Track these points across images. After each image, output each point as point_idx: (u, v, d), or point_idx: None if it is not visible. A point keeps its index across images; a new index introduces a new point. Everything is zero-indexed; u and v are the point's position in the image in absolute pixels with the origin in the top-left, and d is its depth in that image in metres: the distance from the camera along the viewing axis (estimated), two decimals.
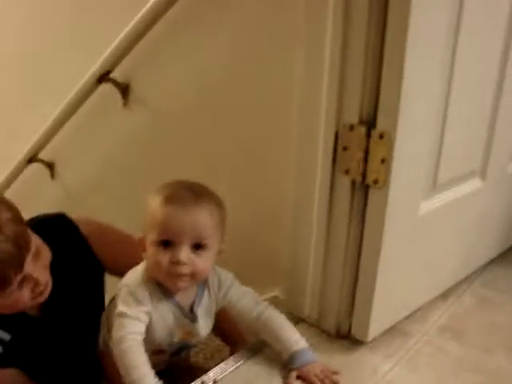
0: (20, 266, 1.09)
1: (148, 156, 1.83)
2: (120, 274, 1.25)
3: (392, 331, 1.41)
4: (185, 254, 1.10)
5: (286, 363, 1.23)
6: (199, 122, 1.64)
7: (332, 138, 1.21)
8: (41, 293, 1.17)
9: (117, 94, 1.83)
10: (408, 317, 1.46)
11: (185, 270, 1.11)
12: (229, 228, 1.17)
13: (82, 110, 1.97)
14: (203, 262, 1.13)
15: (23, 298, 1.13)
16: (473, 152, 1.44)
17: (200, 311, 1.22)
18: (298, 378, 1.20)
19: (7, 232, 1.06)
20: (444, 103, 1.23)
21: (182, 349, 1.29)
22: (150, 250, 1.12)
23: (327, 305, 1.37)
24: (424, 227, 1.33)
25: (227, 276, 1.25)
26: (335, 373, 1.22)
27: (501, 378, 1.27)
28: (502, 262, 1.75)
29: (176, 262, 1.09)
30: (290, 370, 1.21)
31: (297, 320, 1.42)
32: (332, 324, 1.38)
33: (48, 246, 1.20)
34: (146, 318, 1.13)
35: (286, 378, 1.20)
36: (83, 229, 1.34)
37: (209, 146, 1.62)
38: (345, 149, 1.20)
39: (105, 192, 1.99)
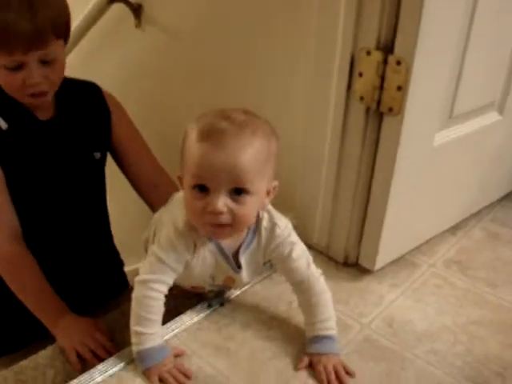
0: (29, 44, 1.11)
1: (162, 77, 1.79)
2: (117, 160, 1.40)
3: (399, 262, 1.42)
4: (222, 202, 0.93)
5: (306, 342, 1.12)
6: (213, 41, 1.58)
7: (348, 62, 1.18)
8: (37, 93, 1.19)
9: (129, 15, 1.78)
10: (416, 248, 1.47)
11: (223, 219, 0.94)
12: None
13: (95, 32, 1.92)
14: (245, 209, 0.96)
15: (15, 81, 1.16)
16: (492, 84, 1.40)
17: (245, 260, 1.09)
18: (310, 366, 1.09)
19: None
20: (466, 30, 1.19)
21: (223, 290, 1.23)
22: (186, 192, 0.98)
23: (336, 233, 1.38)
24: (438, 158, 1.31)
25: (285, 226, 1.09)
26: (350, 373, 1.07)
27: (503, 312, 1.28)
28: None
29: (212, 212, 0.94)
30: (305, 353, 1.11)
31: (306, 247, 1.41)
32: (340, 252, 1.38)
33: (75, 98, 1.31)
34: (180, 267, 1.05)
35: (298, 361, 1.10)
36: (109, 101, 1.37)
37: (222, 65, 1.58)
38: (360, 75, 1.17)
39: None
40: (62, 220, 1.34)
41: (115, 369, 1.07)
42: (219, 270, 1.10)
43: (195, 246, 1.04)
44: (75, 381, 1.05)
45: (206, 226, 0.98)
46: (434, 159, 1.30)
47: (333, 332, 1.10)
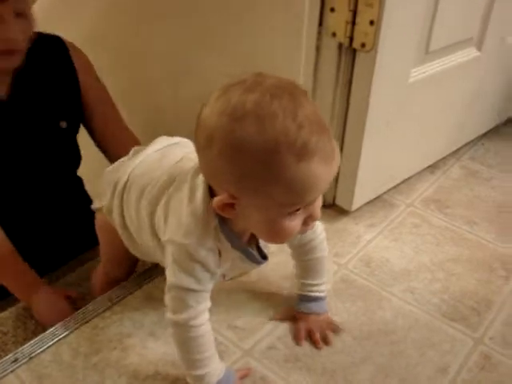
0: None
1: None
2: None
3: (377, 202, 1.42)
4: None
5: (295, 298, 1.08)
6: None
7: None
8: (7, 51, 1.10)
9: None
10: (394, 188, 1.46)
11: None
12: None
13: None
14: None
15: None
16: (470, 18, 1.36)
17: (263, 245, 0.93)
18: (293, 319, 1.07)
19: None
20: None
21: None
22: (271, 217, 0.76)
23: None
24: (414, 96, 1.29)
25: None
26: (335, 330, 1.06)
27: (481, 249, 1.28)
28: (493, 137, 1.74)
29: (311, 223, 0.80)
30: (291, 308, 1.08)
31: None
32: None
33: (36, 57, 1.19)
34: (214, 277, 0.86)
35: (278, 314, 1.08)
36: (75, 57, 1.27)
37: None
38: (332, 10, 1.13)
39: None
40: (32, 189, 1.29)
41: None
42: (236, 269, 0.96)
43: (220, 254, 0.85)
44: (51, 329, 1.06)
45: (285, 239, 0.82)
46: (410, 96, 1.28)
47: (325, 294, 1.07)
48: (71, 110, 1.29)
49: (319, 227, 1.02)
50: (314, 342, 1.03)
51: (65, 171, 1.36)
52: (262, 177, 0.70)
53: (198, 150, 0.75)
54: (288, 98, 0.70)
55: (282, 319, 1.07)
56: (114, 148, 1.34)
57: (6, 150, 1.21)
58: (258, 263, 0.92)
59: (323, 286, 1.06)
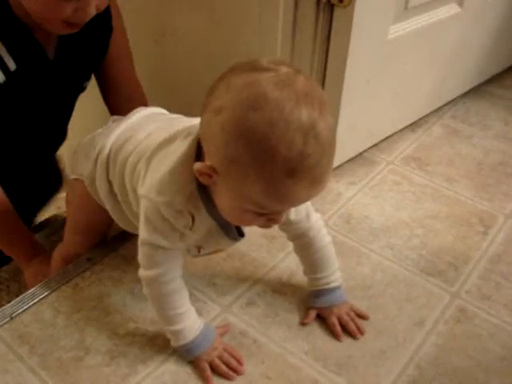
0: None
1: None
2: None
3: (358, 159, 1.42)
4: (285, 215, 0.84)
5: (308, 298, 1.05)
6: None
7: None
8: (78, 24, 1.03)
9: None
10: (375, 146, 1.47)
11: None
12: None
13: None
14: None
15: (63, 11, 0.97)
16: None
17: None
18: (318, 317, 1.02)
19: None
20: None
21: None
22: (237, 205, 0.76)
23: None
24: (393, 52, 1.28)
25: None
26: (363, 317, 1.03)
27: (459, 206, 1.30)
28: (475, 96, 1.74)
29: (272, 225, 0.82)
30: (310, 308, 1.03)
31: None
32: None
33: None
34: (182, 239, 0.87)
35: (304, 317, 1.02)
36: (113, 13, 1.19)
37: None
38: None
39: None
40: (34, 137, 1.26)
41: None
42: (211, 242, 0.94)
43: (193, 219, 0.84)
44: (32, 290, 1.06)
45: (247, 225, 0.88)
46: (390, 53, 1.27)
47: (340, 282, 1.03)
48: (97, 67, 1.25)
49: (313, 216, 0.98)
50: (350, 334, 0.99)
51: (65, 121, 1.32)
52: (246, 169, 0.70)
53: (207, 108, 0.73)
54: (310, 111, 0.68)
55: (310, 321, 1.02)
56: (121, 102, 1.30)
57: (36, 106, 1.17)
58: (234, 239, 0.92)
59: (335, 275, 1.02)
